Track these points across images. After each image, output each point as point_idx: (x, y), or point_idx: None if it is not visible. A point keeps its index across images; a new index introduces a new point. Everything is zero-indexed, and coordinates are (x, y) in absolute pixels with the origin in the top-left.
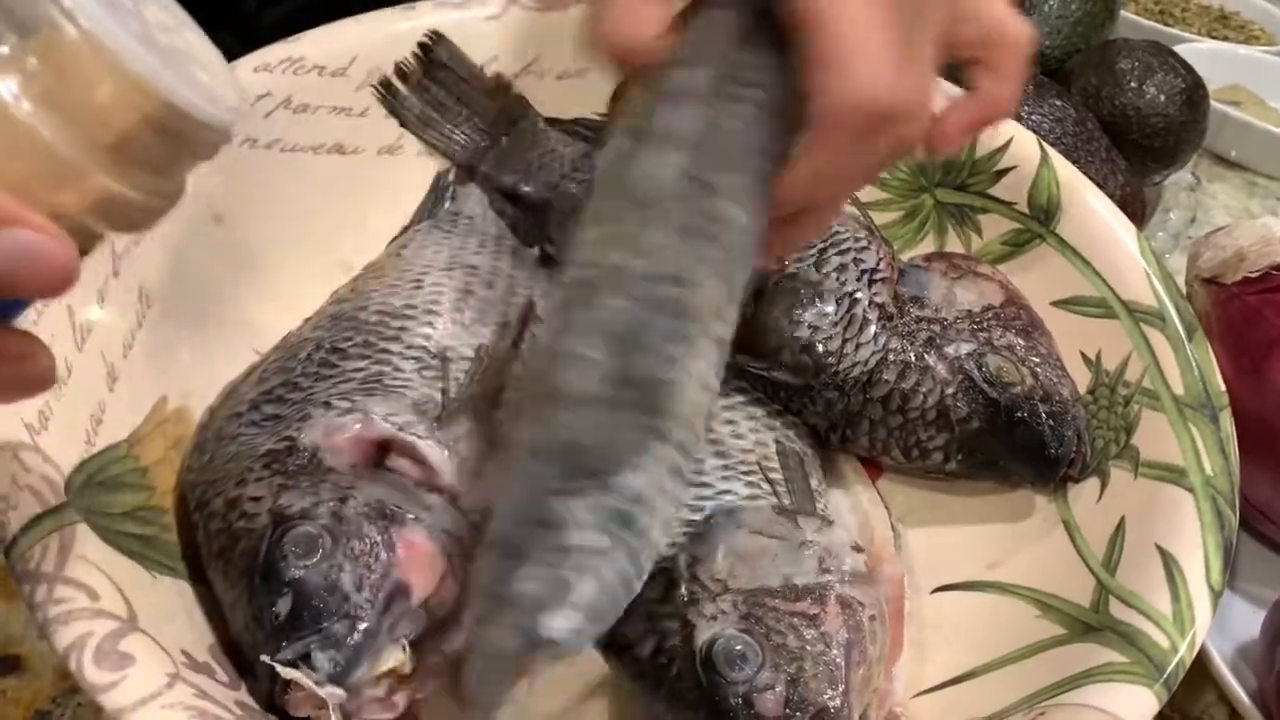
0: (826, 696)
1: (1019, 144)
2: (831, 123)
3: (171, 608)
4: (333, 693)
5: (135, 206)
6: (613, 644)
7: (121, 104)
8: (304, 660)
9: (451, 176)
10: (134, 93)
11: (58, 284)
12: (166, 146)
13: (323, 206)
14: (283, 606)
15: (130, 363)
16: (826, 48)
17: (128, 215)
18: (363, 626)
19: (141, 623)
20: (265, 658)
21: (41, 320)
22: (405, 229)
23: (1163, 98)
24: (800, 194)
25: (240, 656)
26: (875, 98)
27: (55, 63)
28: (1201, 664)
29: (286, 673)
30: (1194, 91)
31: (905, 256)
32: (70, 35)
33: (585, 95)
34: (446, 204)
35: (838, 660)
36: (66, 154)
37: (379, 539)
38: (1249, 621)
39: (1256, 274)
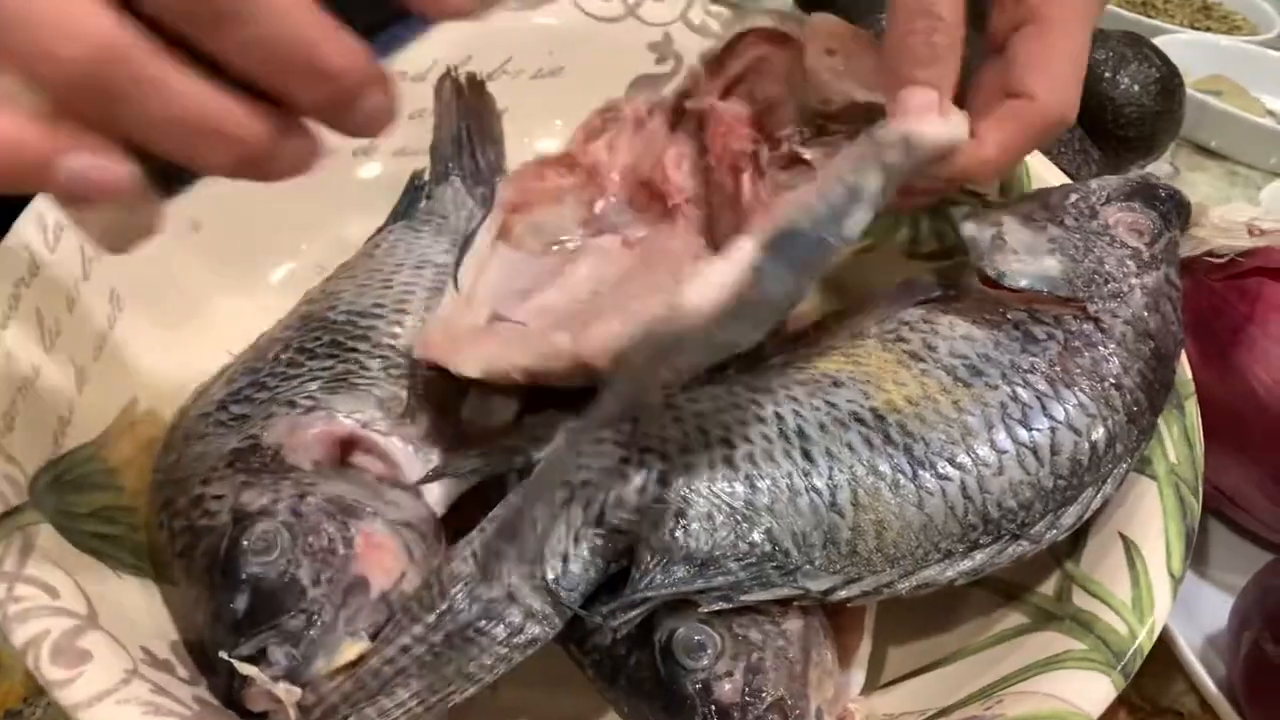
0: (785, 688)
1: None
2: (1027, 120)
3: (135, 605)
4: (288, 689)
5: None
6: (571, 634)
7: None
8: (261, 656)
9: (426, 176)
10: None
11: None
12: None
13: (297, 208)
14: (240, 603)
15: (101, 365)
16: (1047, 56)
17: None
18: (319, 621)
19: (101, 620)
20: (223, 654)
21: (10, 323)
22: (380, 229)
23: (1137, 88)
24: (969, 170)
25: (202, 654)
26: (1065, 116)
27: None
28: (1171, 653)
29: (243, 668)
30: (1169, 81)
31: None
32: None
33: (558, 95)
34: (421, 204)
35: (797, 654)
36: None
37: (337, 534)
38: (1219, 610)
39: (1222, 260)
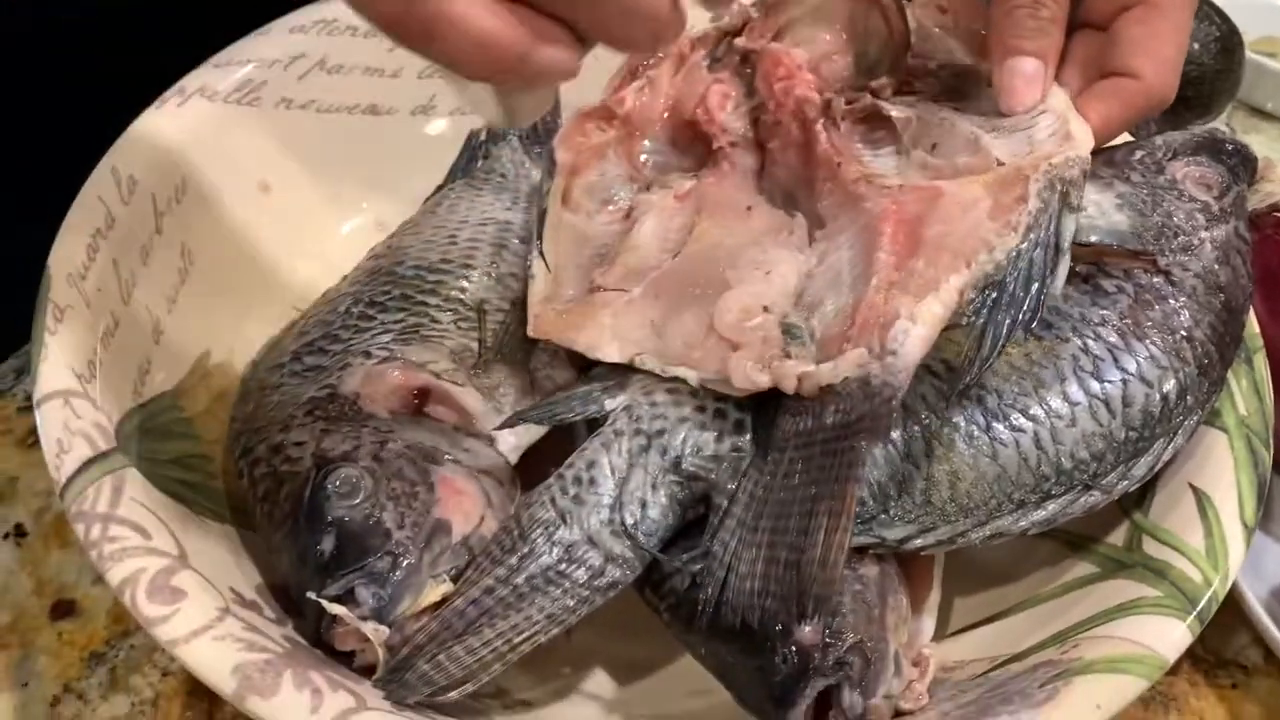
0: (863, 630)
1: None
2: (1130, 98)
3: (219, 549)
4: (376, 628)
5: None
6: (648, 578)
7: None
8: (348, 596)
9: (484, 135)
10: None
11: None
12: None
13: (358, 166)
14: (327, 545)
15: (174, 317)
16: (1156, 39)
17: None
18: (405, 563)
19: (192, 561)
20: (310, 594)
21: (90, 273)
22: (440, 187)
23: (1197, 46)
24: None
25: (287, 597)
26: (1166, 97)
27: None
28: (1236, 606)
29: (331, 608)
30: (1229, 40)
31: None
32: None
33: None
34: (480, 162)
35: (874, 599)
36: None
37: (419, 479)
38: None
39: None
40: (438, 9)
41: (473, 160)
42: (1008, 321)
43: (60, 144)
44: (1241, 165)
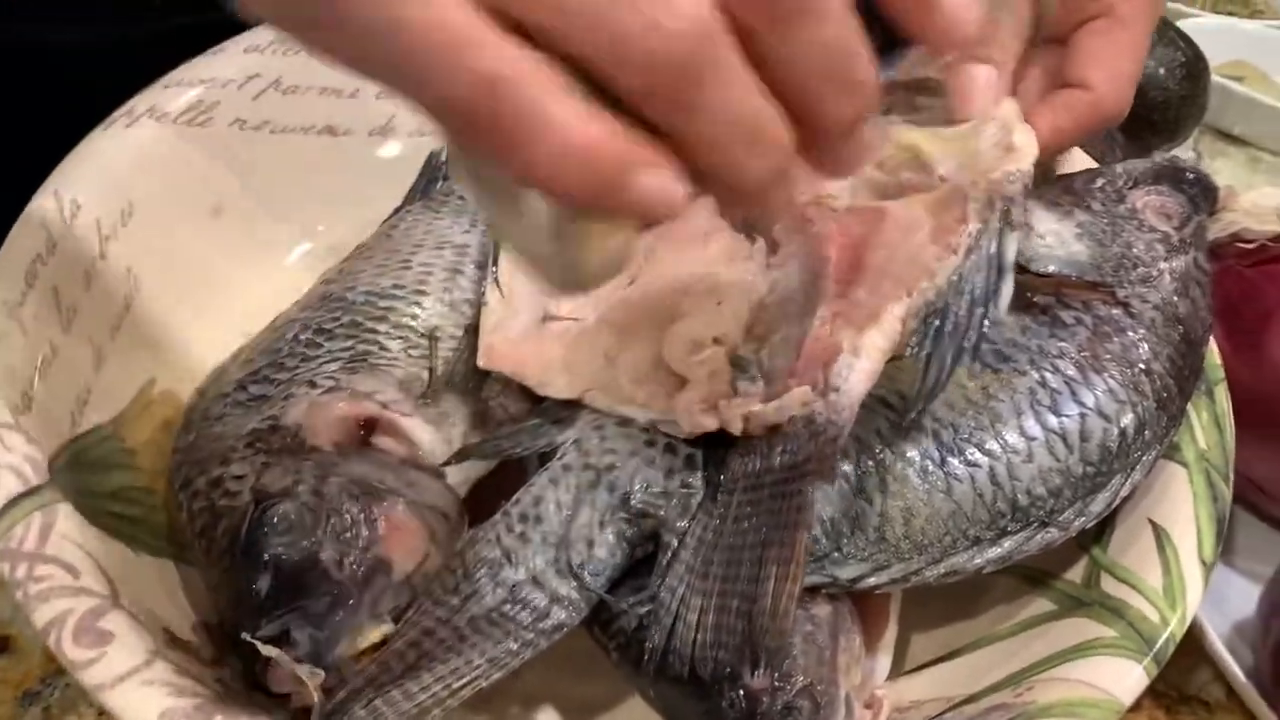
0: (813, 673)
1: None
2: (1081, 110)
3: (155, 586)
4: (312, 671)
5: None
6: (596, 618)
7: None
8: (283, 637)
9: (444, 156)
10: None
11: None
12: None
13: (313, 189)
14: (263, 584)
15: (118, 344)
16: (1114, 52)
17: None
18: (344, 603)
19: (123, 600)
20: (245, 635)
21: (28, 301)
22: (397, 210)
23: (1162, 71)
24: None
25: (224, 636)
26: (1119, 111)
27: None
28: (1198, 642)
29: (266, 650)
30: (1194, 65)
31: None
32: None
33: None
34: (440, 184)
35: (825, 640)
36: None
37: (361, 515)
38: (1247, 599)
39: (1253, 245)
40: (532, 106)
41: (432, 182)
42: (953, 350)
43: (2, 169)
44: (1202, 195)
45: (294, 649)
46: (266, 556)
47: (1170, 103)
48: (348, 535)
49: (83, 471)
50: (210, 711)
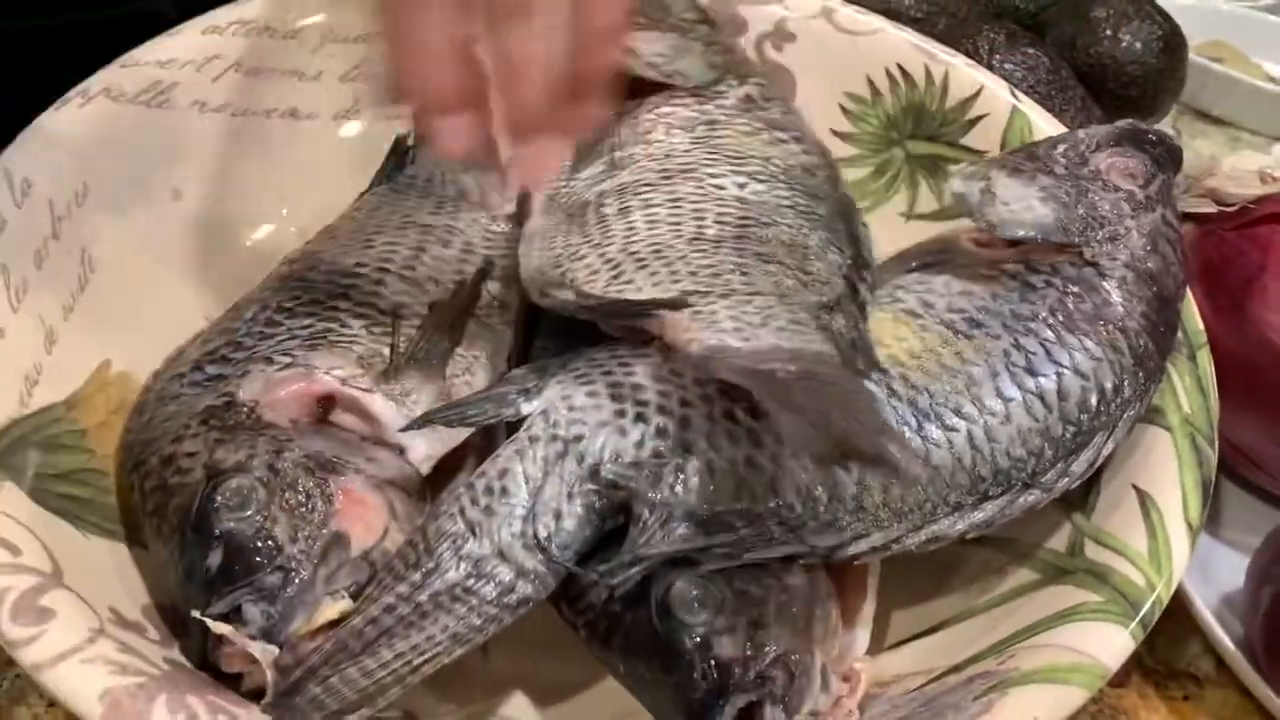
0: (787, 643)
1: (990, 92)
2: None
3: (104, 567)
4: (265, 648)
5: None
6: (565, 594)
7: None
8: (235, 614)
9: (411, 140)
10: None
11: None
12: None
13: (276, 172)
14: (214, 560)
15: (71, 325)
16: None
17: None
18: (297, 579)
19: (67, 579)
20: (195, 613)
21: None
22: (363, 194)
23: (1139, 45)
24: None
25: (176, 617)
26: None
27: None
28: (1187, 615)
29: (217, 627)
30: (1171, 39)
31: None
32: None
33: None
34: (406, 168)
35: (800, 610)
36: None
37: (316, 490)
38: (1235, 570)
39: (1233, 208)
40: None
41: (399, 166)
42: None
43: None
44: (1166, 154)
45: (246, 626)
46: (218, 531)
47: (1148, 77)
48: (302, 510)
49: (32, 450)
50: (154, 691)
